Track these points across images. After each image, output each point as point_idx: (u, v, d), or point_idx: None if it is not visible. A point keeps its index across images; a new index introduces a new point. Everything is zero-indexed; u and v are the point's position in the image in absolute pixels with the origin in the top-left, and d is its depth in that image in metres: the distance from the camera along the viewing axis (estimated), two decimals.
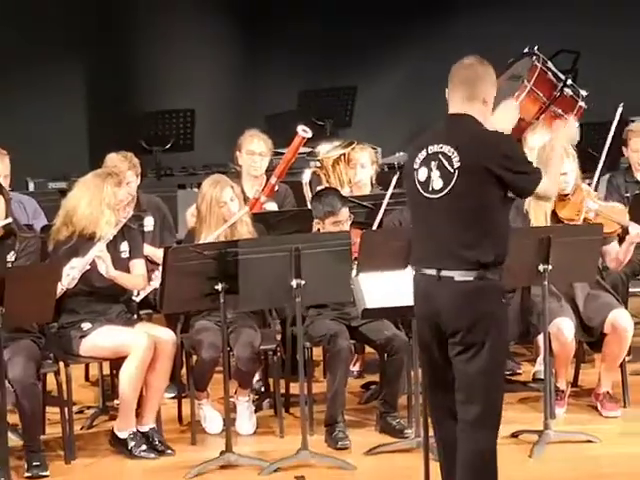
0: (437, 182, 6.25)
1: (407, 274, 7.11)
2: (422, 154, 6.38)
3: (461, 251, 6.36)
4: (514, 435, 8.80)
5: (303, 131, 10.82)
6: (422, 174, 6.32)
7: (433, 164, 6.30)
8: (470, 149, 6.32)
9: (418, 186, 6.38)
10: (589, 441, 8.78)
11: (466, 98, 6.45)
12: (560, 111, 9.30)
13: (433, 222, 6.41)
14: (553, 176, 7.13)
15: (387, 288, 8.02)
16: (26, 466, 8.31)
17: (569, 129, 8.47)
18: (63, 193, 9.63)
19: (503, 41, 12.07)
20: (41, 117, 13.63)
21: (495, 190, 6.41)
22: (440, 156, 6.29)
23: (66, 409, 8.95)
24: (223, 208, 9.51)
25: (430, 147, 6.36)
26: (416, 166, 6.40)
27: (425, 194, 6.32)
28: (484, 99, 6.50)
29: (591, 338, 9.48)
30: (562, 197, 9.22)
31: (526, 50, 9.76)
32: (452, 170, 6.21)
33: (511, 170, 6.38)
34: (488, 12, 14.50)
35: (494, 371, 6.59)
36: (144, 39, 14.93)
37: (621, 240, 9.49)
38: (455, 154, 6.23)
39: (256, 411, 9.51)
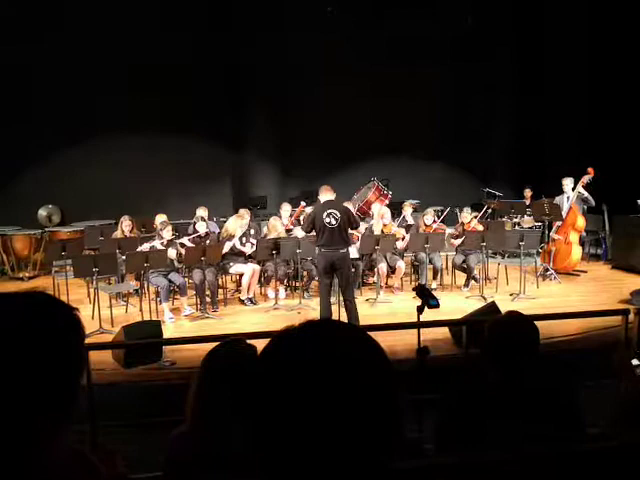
0: (332, 222, 6.85)
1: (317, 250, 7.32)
2: (326, 212, 6.89)
3: (342, 243, 7.01)
4: (367, 300, 8.64)
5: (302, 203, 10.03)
6: (327, 219, 6.86)
7: (331, 216, 6.85)
8: (341, 212, 6.96)
9: (325, 223, 6.88)
10: (391, 302, 8.62)
11: (331, 194, 7.08)
12: (382, 197, 9.65)
13: (330, 234, 6.92)
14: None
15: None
16: (211, 307, 8.40)
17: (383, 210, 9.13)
18: (223, 222, 9.45)
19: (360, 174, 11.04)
20: (216, 197, 12.27)
21: (349, 224, 7.15)
22: (332, 213, 6.87)
23: (224, 290, 9.05)
24: (277, 222, 9.20)
25: (328, 210, 6.90)
26: (324, 216, 6.88)
27: (328, 226, 6.86)
28: (335, 195, 7.15)
29: (391, 272, 9.13)
30: (384, 224, 9.17)
31: (373, 178, 10.14)
32: (337, 218, 6.86)
33: (352, 217, 7.14)
34: (373, 163, 12.10)
35: (350, 278, 7.29)
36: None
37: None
38: (337, 213, 6.88)
39: (285, 291, 9.16)
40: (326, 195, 7.17)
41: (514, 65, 13.04)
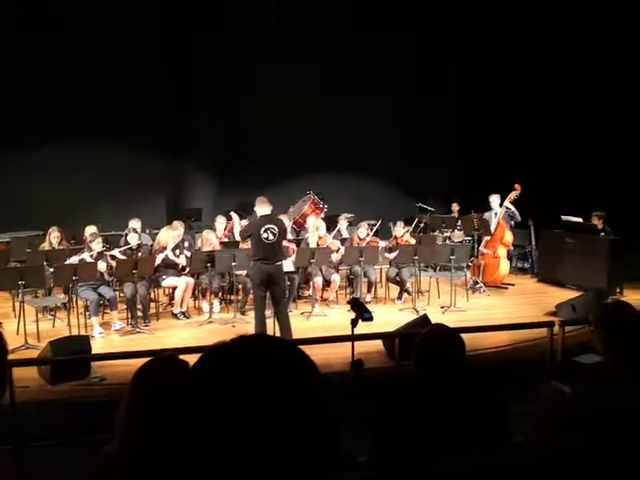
0: (270, 237, 6.81)
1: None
2: (263, 228, 6.86)
3: (278, 256, 7.03)
4: (302, 313, 8.65)
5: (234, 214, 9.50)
6: (264, 235, 6.82)
7: (269, 231, 6.81)
8: (279, 226, 6.97)
9: (263, 238, 6.84)
10: (326, 315, 8.69)
11: (268, 208, 7.02)
12: (317, 210, 9.67)
13: (268, 249, 6.88)
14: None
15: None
16: (143, 321, 8.21)
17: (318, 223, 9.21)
18: (156, 234, 9.28)
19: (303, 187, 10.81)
20: (149, 208, 12.09)
21: (284, 237, 7.19)
22: (270, 229, 6.84)
23: (157, 303, 8.91)
24: (210, 235, 9.16)
25: (266, 225, 6.86)
26: (262, 231, 6.83)
27: (265, 242, 6.82)
28: (271, 208, 7.10)
29: (326, 285, 9.20)
30: (319, 237, 9.19)
31: (309, 192, 10.11)
32: (275, 233, 6.84)
33: (286, 232, 7.22)
34: (308, 177, 11.96)
35: (285, 292, 7.36)
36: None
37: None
38: (275, 228, 6.88)
39: (220, 304, 9.06)
40: (262, 208, 7.12)
41: (449, 90, 13.44)
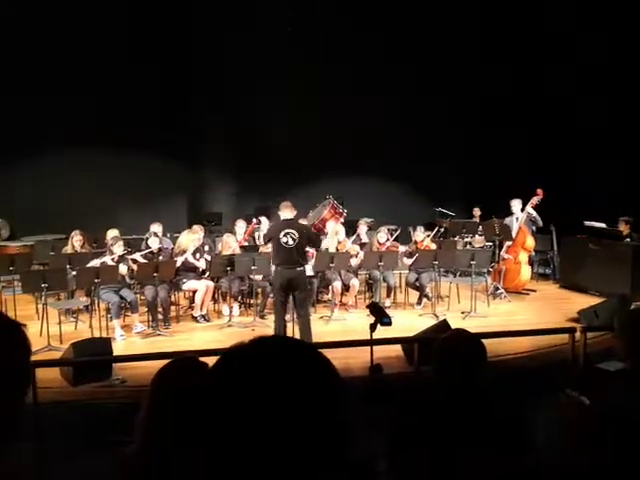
0: (290, 242, 6.82)
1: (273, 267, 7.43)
2: (283, 232, 6.90)
3: (298, 262, 7.03)
4: (322, 317, 8.64)
5: (254, 220, 9.75)
6: (284, 239, 6.86)
7: (288, 236, 6.83)
8: (299, 231, 6.96)
9: (282, 243, 6.87)
10: (345, 319, 8.65)
11: (290, 213, 7.03)
12: (337, 215, 9.71)
13: (287, 254, 6.90)
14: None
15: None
16: (163, 324, 8.27)
17: (337, 227, 9.19)
18: (177, 238, 9.33)
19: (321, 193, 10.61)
20: (171, 213, 12.10)
21: (306, 243, 7.17)
22: (290, 233, 6.86)
23: (177, 306, 8.96)
24: (230, 239, 9.19)
25: (285, 230, 6.89)
26: (281, 235, 6.88)
27: (285, 246, 6.84)
28: (295, 213, 7.12)
29: (345, 289, 9.19)
30: (339, 242, 9.24)
31: (328, 196, 10.12)
32: (295, 238, 6.84)
33: (312, 237, 7.20)
34: (328, 181, 12.20)
35: (307, 297, 7.33)
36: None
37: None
38: (295, 233, 6.88)
39: (239, 308, 9.04)
40: (285, 213, 7.14)
41: (466, 90, 13.29)
